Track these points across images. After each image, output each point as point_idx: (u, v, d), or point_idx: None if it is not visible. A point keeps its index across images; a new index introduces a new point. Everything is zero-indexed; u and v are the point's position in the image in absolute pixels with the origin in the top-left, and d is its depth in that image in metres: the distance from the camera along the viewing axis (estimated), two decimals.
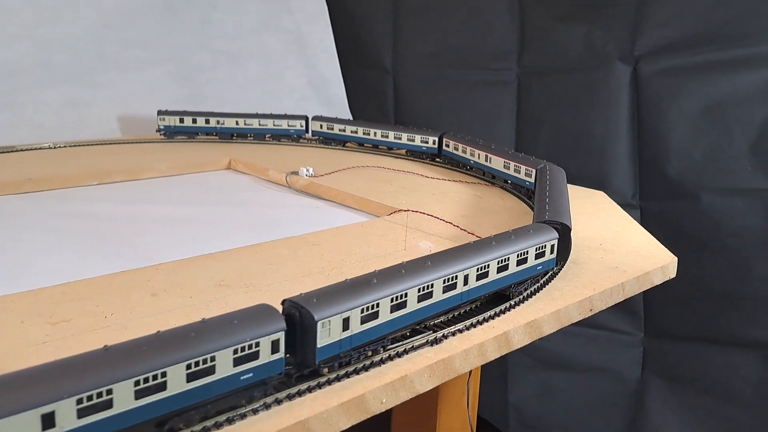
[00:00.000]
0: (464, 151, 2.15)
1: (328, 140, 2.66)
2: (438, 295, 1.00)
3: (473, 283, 1.05)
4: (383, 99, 3.19)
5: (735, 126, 2.35)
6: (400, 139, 2.43)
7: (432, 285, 0.98)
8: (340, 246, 1.40)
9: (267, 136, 2.73)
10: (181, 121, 2.68)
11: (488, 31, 2.88)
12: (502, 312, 1.10)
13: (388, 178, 2.11)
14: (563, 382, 2.79)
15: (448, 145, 2.27)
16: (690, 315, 2.51)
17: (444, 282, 1.01)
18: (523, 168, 1.76)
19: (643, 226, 2.47)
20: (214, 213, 1.78)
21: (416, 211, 1.67)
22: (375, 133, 2.50)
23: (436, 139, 2.34)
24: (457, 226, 1.55)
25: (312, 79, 3.31)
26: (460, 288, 1.04)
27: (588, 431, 2.76)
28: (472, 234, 1.49)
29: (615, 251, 1.46)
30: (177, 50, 2.95)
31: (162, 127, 2.69)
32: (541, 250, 1.18)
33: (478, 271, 1.06)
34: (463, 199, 1.87)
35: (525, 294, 1.17)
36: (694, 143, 2.43)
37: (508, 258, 1.11)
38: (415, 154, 2.43)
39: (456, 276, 1.02)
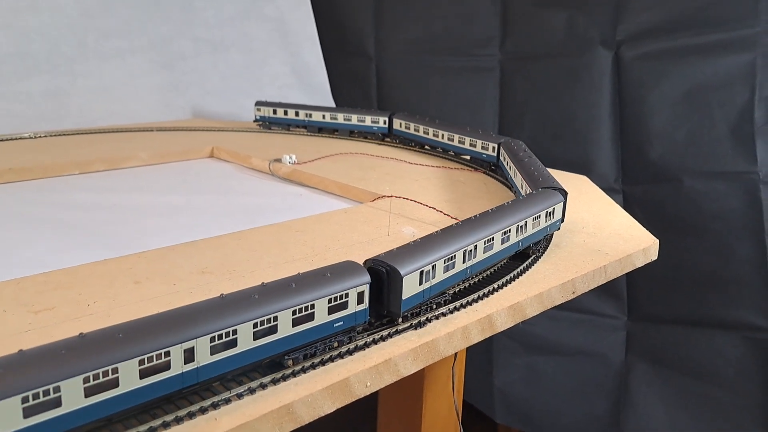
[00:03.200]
0: (506, 162, 1.88)
1: (407, 141, 2.43)
2: (126, 385, 0.70)
3: (206, 358, 0.76)
4: (367, 86, 3.18)
5: (716, 110, 2.37)
6: (463, 144, 2.15)
7: (110, 371, 0.68)
8: (324, 232, 1.40)
9: (353, 132, 2.58)
10: (275, 112, 2.68)
11: (470, 18, 2.88)
12: (486, 295, 1.11)
13: (372, 164, 2.11)
14: (548, 366, 2.82)
15: (503, 155, 1.95)
16: (673, 298, 2.54)
17: (143, 363, 0.70)
18: (529, 190, 1.60)
19: (626, 210, 2.50)
20: (196, 201, 1.77)
21: (400, 197, 1.67)
22: (442, 135, 2.24)
23: (496, 146, 2.00)
24: (441, 211, 1.56)
25: (295, 67, 3.29)
26: (179, 368, 0.74)
27: (573, 414, 2.79)
28: (455, 219, 1.50)
29: (597, 234, 1.47)
30: (158, 39, 2.92)
31: (258, 117, 2.72)
32: (341, 301, 0.89)
33: (214, 340, 0.76)
34: (447, 184, 1.87)
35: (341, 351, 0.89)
36: (675, 127, 2.45)
37: (276, 317, 0.81)
38: (477, 161, 2.11)
39: (167, 352, 0.72)
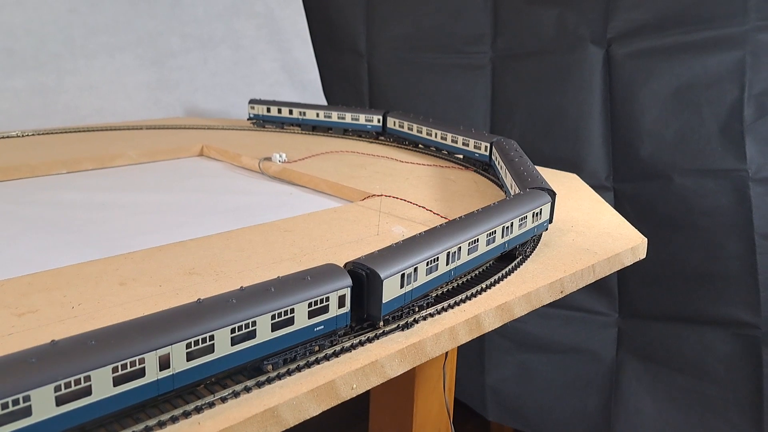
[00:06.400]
0: (497, 162, 1.87)
1: (401, 139, 2.42)
2: (100, 393, 0.69)
3: (182, 364, 0.75)
4: (358, 83, 3.17)
5: (705, 107, 2.37)
6: (456, 143, 2.14)
7: (83, 379, 0.67)
8: (313, 232, 1.39)
9: (347, 130, 2.56)
10: (268, 110, 2.68)
11: (461, 15, 2.87)
12: (473, 295, 1.10)
13: (362, 162, 2.10)
14: (540, 364, 2.82)
15: (495, 155, 1.94)
16: (663, 295, 2.55)
17: (116, 371, 0.69)
18: (518, 190, 1.59)
19: (616, 207, 2.50)
20: (185, 200, 1.76)
21: (390, 196, 1.66)
22: (436, 134, 2.23)
23: (488, 145, 1.98)
24: (431, 210, 1.55)
25: (285, 64, 3.27)
26: (154, 375, 0.72)
27: (565, 411, 2.79)
28: (445, 218, 1.49)
29: (586, 233, 1.47)
30: (146, 35, 2.90)
31: (252, 116, 2.71)
32: (321, 304, 0.88)
33: (190, 346, 0.75)
34: (437, 183, 1.86)
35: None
36: (665, 125, 2.45)
37: (254, 322, 0.80)
38: (469, 160, 2.09)
39: (142, 359, 0.71)
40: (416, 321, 1.00)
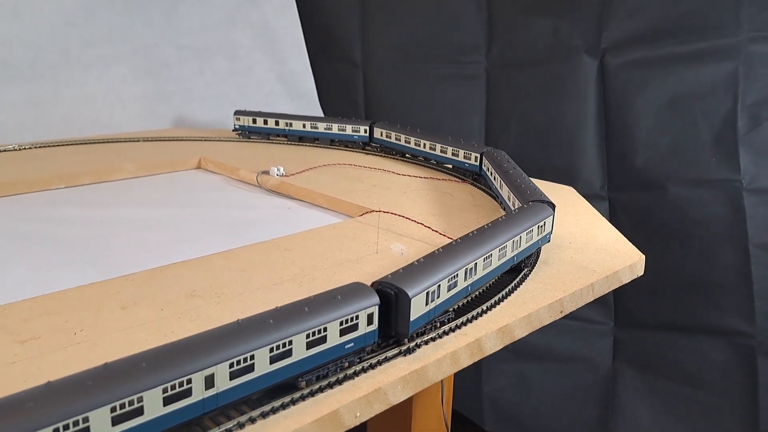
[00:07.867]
0: (490, 172, 1.89)
1: (388, 149, 2.42)
2: (151, 413, 0.71)
3: (225, 383, 0.78)
4: (354, 93, 3.18)
5: (699, 118, 2.39)
6: (445, 153, 2.14)
7: (136, 400, 0.69)
8: (312, 250, 1.40)
9: (333, 141, 2.55)
10: (254, 121, 2.66)
11: (456, 25, 2.88)
12: (474, 318, 1.11)
13: (360, 175, 2.10)
14: (537, 373, 2.83)
15: (486, 165, 1.96)
16: (659, 304, 2.57)
17: (166, 391, 0.72)
18: (517, 202, 1.62)
19: (612, 217, 2.51)
20: (184, 215, 1.76)
21: (388, 212, 1.67)
22: (425, 144, 2.23)
23: (478, 156, 2.01)
24: (429, 227, 1.56)
25: (281, 74, 3.28)
26: (200, 394, 0.76)
27: (562, 419, 2.81)
28: (443, 235, 1.50)
29: (584, 250, 1.48)
30: (142, 46, 2.90)
31: (237, 127, 2.69)
32: (352, 323, 0.91)
33: (233, 366, 0.78)
34: (434, 197, 1.87)
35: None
36: (660, 135, 2.47)
37: (290, 341, 0.84)
38: (459, 170, 2.11)
39: (189, 379, 0.74)
40: (418, 346, 1.01)
